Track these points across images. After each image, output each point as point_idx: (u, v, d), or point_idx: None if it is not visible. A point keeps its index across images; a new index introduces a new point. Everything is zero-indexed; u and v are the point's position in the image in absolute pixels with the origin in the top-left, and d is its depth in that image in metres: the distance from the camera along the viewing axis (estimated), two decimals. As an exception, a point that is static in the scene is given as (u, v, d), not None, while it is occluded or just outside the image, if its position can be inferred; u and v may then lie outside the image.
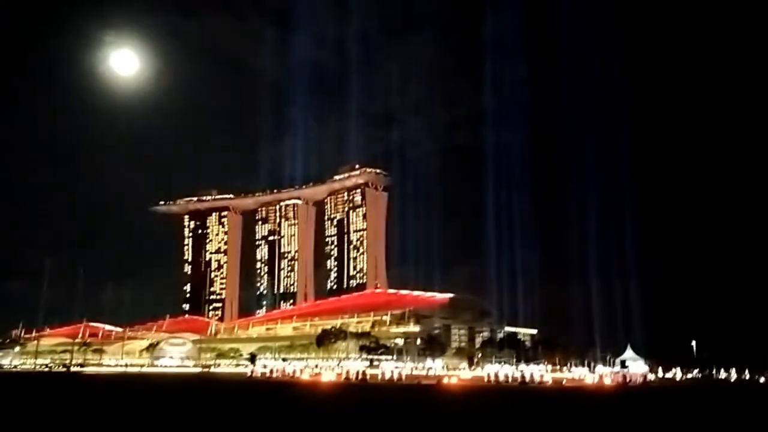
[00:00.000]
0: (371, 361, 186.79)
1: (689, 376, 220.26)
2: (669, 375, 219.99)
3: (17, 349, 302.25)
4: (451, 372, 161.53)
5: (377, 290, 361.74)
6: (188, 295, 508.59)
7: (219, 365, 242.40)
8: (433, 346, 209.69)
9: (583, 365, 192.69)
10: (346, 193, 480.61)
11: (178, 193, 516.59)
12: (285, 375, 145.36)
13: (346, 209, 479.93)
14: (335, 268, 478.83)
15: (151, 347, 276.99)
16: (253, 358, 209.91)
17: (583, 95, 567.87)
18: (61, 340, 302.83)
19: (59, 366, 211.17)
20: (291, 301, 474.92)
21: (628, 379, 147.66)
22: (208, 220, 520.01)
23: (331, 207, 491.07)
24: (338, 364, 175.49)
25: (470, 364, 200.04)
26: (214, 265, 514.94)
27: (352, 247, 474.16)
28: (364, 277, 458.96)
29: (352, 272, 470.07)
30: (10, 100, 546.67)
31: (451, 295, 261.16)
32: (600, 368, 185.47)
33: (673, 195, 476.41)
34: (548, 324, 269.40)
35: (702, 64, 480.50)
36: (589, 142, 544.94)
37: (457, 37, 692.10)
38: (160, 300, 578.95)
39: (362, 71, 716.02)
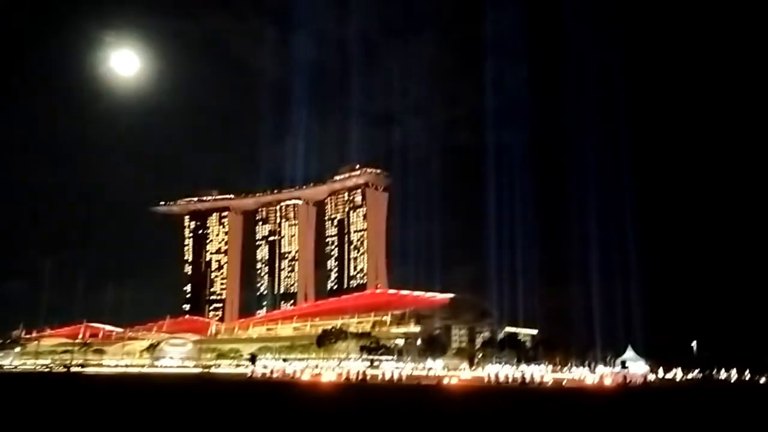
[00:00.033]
0: (372, 361, 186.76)
1: (690, 376, 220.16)
2: (669, 375, 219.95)
3: (18, 349, 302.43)
4: (451, 372, 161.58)
5: (378, 290, 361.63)
6: (189, 296, 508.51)
7: (219, 366, 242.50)
8: (434, 346, 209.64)
9: (584, 365, 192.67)
10: (346, 194, 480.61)
11: (178, 194, 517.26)
12: (285, 375, 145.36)
13: (347, 209, 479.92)
14: (336, 269, 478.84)
15: (152, 348, 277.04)
16: (253, 359, 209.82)
17: (584, 95, 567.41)
18: (61, 341, 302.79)
19: (60, 366, 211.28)
20: (291, 301, 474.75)
21: (628, 380, 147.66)
22: (208, 221, 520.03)
23: (331, 207, 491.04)
24: (339, 365, 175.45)
25: (471, 364, 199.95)
26: (214, 265, 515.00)
27: (352, 247, 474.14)
28: (365, 277, 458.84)
29: (352, 272, 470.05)
30: (10, 100, 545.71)
31: (451, 295, 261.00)
32: (600, 368, 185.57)
33: (673, 195, 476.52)
34: (549, 324, 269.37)
35: (702, 64, 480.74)
36: (589, 142, 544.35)
37: (457, 37, 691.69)
38: (161, 300, 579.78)
39: (363, 71, 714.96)
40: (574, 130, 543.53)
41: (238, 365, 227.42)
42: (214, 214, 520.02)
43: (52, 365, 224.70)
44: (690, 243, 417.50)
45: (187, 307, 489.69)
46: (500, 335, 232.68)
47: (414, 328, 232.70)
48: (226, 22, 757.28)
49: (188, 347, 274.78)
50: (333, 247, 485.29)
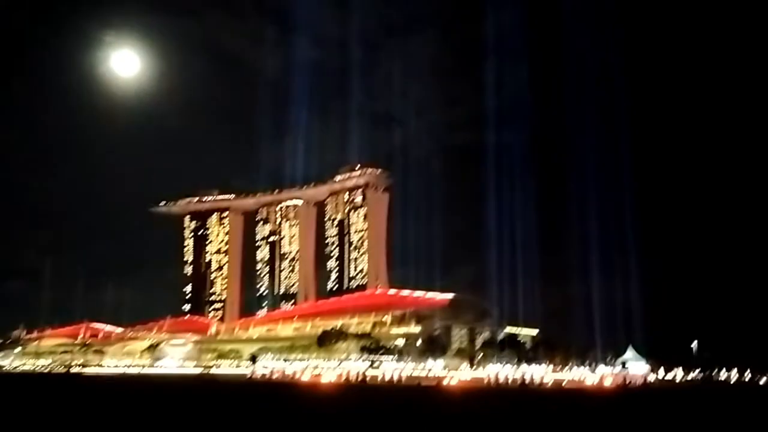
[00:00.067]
0: (372, 362, 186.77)
1: (690, 376, 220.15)
2: (670, 376, 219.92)
3: (18, 349, 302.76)
4: (451, 373, 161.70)
5: (378, 291, 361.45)
6: (189, 296, 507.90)
7: (219, 366, 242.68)
8: (434, 346, 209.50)
9: (584, 366, 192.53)
10: (347, 194, 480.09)
11: (178, 194, 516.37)
12: (285, 376, 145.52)
13: (347, 210, 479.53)
14: (336, 269, 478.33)
15: (152, 348, 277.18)
16: (254, 359, 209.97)
17: (584, 95, 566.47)
18: (61, 341, 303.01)
19: (60, 367, 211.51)
20: (292, 301, 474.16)
21: (628, 380, 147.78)
22: (208, 221, 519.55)
23: (332, 207, 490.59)
24: (339, 365, 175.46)
25: (471, 364, 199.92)
26: (214, 265, 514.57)
27: (352, 247, 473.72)
28: (365, 277, 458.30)
29: (352, 273, 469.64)
30: (10, 100, 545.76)
31: (451, 295, 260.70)
32: (601, 369, 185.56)
33: (673, 195, 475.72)
34: (549, 324, 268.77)
35: (702, 64, 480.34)
36: (589, 142, 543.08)
37: (457, 37, 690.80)
38: (161, 300, 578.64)
39: (363, 71, 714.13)
40: (574, 130, 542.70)
41: (238, 366, 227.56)
42: (215, 214, 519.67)
43: (52, 365, 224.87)
44: (690, 243, 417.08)
45: (187, 307, 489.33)
46: (500, 335, 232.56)
47: (414, 329, 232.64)
48: (226, 21, 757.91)
49: (188, 348, 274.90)
50: (333, 247, 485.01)
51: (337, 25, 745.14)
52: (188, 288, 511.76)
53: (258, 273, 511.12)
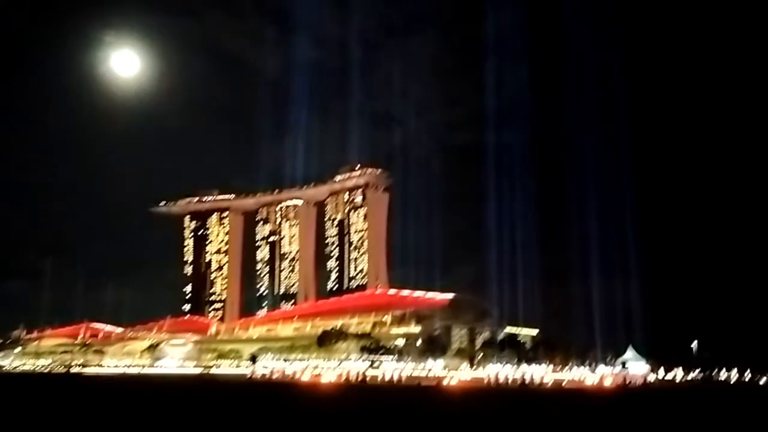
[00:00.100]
0: (372, 362, 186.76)
1: (690, 376, 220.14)
2: (670, 376, 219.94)
3: (18, 349, 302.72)
4: (451, 373, 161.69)
5: (378, 291, 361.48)
6: (189, 296, 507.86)
7: (219, 366, 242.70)
8: (434, 346, 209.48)
9: (584, 366, 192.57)
10: (347, 194, 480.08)
11: (178, 194, 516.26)
12: (285, 376, 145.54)
13: (347, 210, 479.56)
14: (336, 269, 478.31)
15: (152, 348, 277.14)
16: (254, 359, 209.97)
17: (584, 95, 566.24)
18: (61, 341, 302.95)
19: (60, 367, 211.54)
20: (292, 301, 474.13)
21: (628, 380, 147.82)
22: (208, 221, 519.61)
23: (332, 207, 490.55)
24: (339, 365, 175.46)
25: (471, 364, 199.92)
26: (214, 265, 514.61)
27: (352, 247, 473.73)
28: (365, 277, 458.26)
29: (352, 273, 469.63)
30: (10, 100, 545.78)
31: (451, 295, 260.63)
32: (601, 369, 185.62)
33: (673, 195, 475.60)
34: (549, 324, 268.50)
35: (702, 64, 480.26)
36: (589, 142, 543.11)
37: (457, 37, 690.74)
38: (161, 300, 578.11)
39: (363, 71, 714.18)
40: (574, 130, 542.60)
41: (238, 366, 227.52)
42: (215, 214, 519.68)
43: (52, 366, 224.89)
44: (690, 243, 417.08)
45: (187, 307, 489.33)
46: (500, 335, 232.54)
47: (414, 329, 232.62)
48: (226, 21, 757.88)
49: (188, 348, 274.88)
50: (333, 247, 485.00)
51: (337, 25, 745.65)
52: (188, 288, 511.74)
53: (258, 273, 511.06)
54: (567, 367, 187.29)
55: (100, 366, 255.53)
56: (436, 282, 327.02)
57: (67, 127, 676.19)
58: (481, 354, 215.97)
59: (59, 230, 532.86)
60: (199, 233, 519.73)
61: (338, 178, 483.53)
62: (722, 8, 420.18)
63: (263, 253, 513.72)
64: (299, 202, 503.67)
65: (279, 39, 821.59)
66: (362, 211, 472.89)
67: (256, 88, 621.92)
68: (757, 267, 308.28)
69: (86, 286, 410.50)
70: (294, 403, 54.03)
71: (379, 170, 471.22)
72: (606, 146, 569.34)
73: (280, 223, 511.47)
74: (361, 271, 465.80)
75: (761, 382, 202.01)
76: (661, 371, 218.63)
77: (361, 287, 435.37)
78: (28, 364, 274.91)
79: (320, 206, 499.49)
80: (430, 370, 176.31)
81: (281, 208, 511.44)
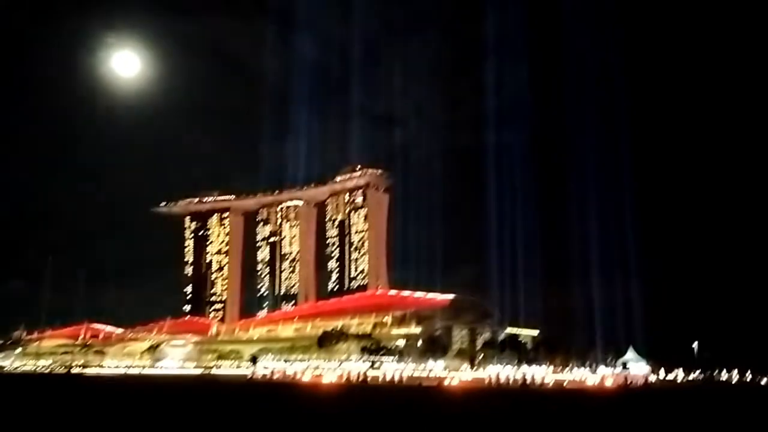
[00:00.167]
0: (372, 362, 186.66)
1: (691, 377, 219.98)
2: (671, 376, 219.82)
3: (19, 350, 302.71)
4: (452, 373, 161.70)
5: (378, 291, 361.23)
6: (189, 297, 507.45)
7: (220, 367, 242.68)
8: (435, 347, 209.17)
9: (585, 366, 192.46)
10: (347, 194, 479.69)
11: (179, 194, 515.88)
12: (286, 376, 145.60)
13: (348, 210, 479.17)
14: (336, 270, 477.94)
15: (152, 349, 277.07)
16: (254, 360, 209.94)
17: (584, 95, 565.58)
18: (62, 342, 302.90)
19: (61, 368, 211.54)
20: (292, 302, 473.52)
21: (629, 381, 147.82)
22: (209, 222, 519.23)
23: (332, 208, 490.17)
24: (339, 366, 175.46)
25: (472, 365, 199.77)
26: (215, 266, 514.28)
27: (353, 248, 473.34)
28: (366, 278, 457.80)
29: (353, 273, 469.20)
30: (10, 100, 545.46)
31: (452, 296, 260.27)
32: (602, 369, 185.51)
33: (673, 195, 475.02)
34: (550, 325, 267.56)
35: (702, 63, 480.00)
36: (589, 143, 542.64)
37: (457, 37, 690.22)
38: (161, 301, 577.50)
39: (364, 71, 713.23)
40: (574, 130, 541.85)
41: (238, 366, 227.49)
42: (215, 214, 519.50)
43: (53, 366, 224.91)
44: (690, 243, 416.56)
45: (187, 308, 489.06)
46: (501, 336, 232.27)
47: (415, 329, 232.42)
48: (227, 22, 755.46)
49: (189, 348, 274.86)
50: (334, 248, 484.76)
51: (338, 25, 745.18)
52: (189, 289, 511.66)
53: (258, 274, 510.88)
54: (568, 368, 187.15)
55: (101, 367, 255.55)
56: (437, 282, 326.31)
57: (67, 127, 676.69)
58: (482, 354, 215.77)
59: (59, 231, 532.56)
60: (200, 234, 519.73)
61: (339, 178, 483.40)
62: (722, 8, 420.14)
63: (264, 253, 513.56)
64: (300, 203, 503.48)
65: (280, 39, 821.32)
66: (363, 212, 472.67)
67: (257, 89, 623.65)
68: (757, 267, 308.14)
69: (87, 287, 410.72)
70: (295, 403, 54.01)
71: (380, 171, 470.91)
72: (606, 146, 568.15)
73: (280, 224, 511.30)
74: (362, 271, 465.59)
75: (762, 383, 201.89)
76: (662, 372, 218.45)
77: (362, 288, 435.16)
78: (28, 365, 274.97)
79: (321, 207, 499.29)
80: (430, 370, 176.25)
81: (282, 208, 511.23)
